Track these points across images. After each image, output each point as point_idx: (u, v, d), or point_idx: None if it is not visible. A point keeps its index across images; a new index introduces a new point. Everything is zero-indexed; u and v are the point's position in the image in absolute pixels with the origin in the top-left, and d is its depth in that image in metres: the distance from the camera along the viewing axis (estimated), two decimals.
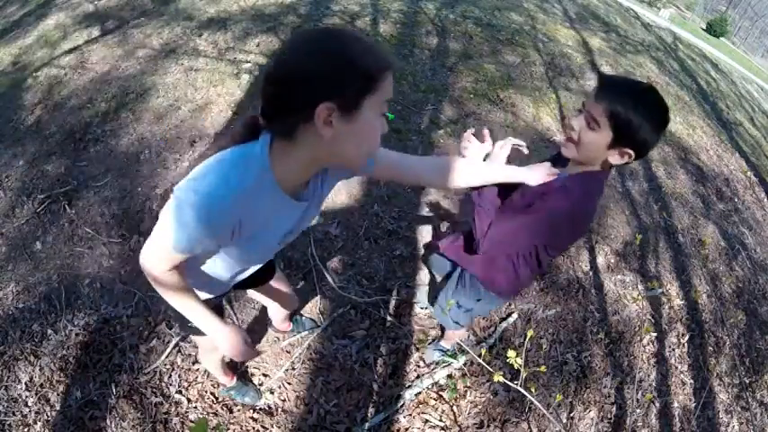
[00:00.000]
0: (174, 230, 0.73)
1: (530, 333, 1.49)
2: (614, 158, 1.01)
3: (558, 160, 1.21)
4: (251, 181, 0.71)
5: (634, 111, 0.92)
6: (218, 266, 0.96)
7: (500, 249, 1.24)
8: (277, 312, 1.77)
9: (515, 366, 1.34)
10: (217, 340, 0.95)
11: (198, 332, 1.17)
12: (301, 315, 2.01)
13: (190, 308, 0.92)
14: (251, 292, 1.41)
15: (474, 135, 1.24)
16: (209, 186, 0.69)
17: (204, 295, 1.08)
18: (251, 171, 0.71)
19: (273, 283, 1.43)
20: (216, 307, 1.20)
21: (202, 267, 0.97)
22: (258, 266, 1.13)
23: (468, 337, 2.08)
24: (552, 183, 1.11)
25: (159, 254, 0.80)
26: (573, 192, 1.04)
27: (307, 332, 1.95)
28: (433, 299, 2.09)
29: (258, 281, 1.36)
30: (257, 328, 1.97)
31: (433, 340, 2.03)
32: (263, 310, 1.99)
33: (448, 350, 1.94)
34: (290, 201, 0.79)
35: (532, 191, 1.13)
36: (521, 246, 1.22)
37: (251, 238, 0.82)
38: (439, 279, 1.98)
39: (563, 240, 1.22)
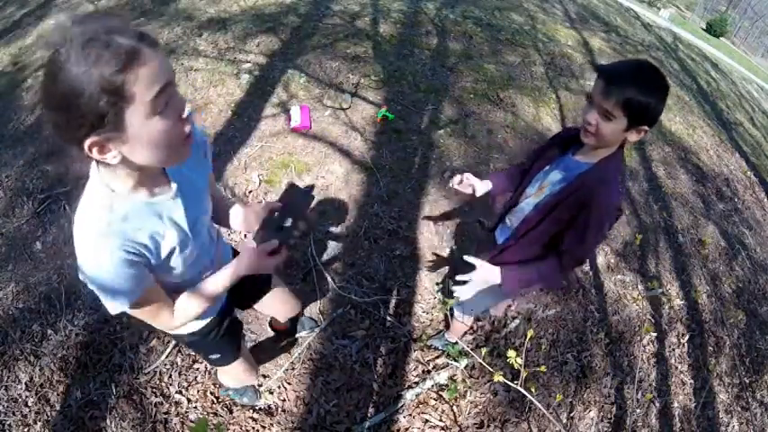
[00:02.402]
0: (111, 298, 0.74)
1: (530, 333, 1.49)
2: (632, 137, 1.06)
3: (567, 143, 1.24)
4: (104, 215, 0.70)
5: (643, 95, 0.97)
6: (181, 276, 0.92)
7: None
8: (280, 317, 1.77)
9: (515, 366, 1.34)
10: (247, 270, 0.94)
11: (221, 363, 1.26)
12: (302, 314, 2.01)
13: (201, 298, 0.93)
14: (257, 306, 1.40)
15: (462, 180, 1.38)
16: (88, 249, 0.70)
17: (204, 320, 1.09)
18: (99, 206, 0.71)
19: (274, 295, 1.40)
20: (232, 322, 1.22)
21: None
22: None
23: (472, 332, 2.08)
24: (586, 180, 1.13)
25: (146, 316, 0.83)
26: (608, 179, 1.10)
27: (306, 332, 1.95)
28: (447, 288, 2.13)
29: (257, 294, 1.34)
30: (255, 329, 1.97)
31: (438, 332, 2.05)
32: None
33: (453, 342, 1.96)
34: (147, 200, 0.76)
35: (576, 194, 1.14)
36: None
37: (173, 247, 0.82)
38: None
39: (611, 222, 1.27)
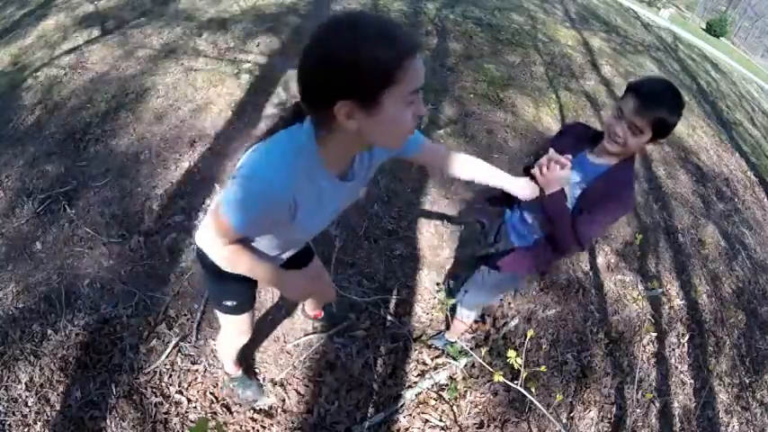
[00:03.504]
0: (234, 211, 0.78)
1: (530, 333, 1.49)
2: (649, 146, 1.21)
3: (578, 142, 1.29)
4: (302, 164, 0.77)
5: (672, 115, 1.10)
6: (263, 245, 0.99)
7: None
8: (318, 300, 1.78)
9: (515, 366, 1.34)
10: (286, 290, 1.02)
11: (232, 311, 1.25)
12: (332, 306, 2.02)
13: (253, 270, 0.95)
14: None
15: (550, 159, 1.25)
16: (266, 169, 0.76)
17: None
18: (301, 155, 0.77)
19: (314, 268, 1.44)
20: (253, 285, 1.23)
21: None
22: (297, 249, 1.17)
23: (471, 332, 2.08)
24: (610, 181, 1.21)
25: (219, 232, 0.85)
26: (631, 182, 1.23)
27: (309, 335, 1.95)
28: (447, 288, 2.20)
29: (296, 266, 1.35)
30: (260, 328, 1.97)
31: (439, 332, 2.05)
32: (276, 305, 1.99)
33: (452, 342, 1.97)
34: (337, 181, 0.85)
35: (599, 190, 1.22)
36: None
37: (302, 218, 0.85)
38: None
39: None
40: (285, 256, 1.14)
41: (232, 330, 1.42)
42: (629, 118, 1.11)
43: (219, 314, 1.33)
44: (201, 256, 1.06)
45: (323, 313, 1.99)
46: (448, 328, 1.99)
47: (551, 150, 1.19)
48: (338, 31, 0.65)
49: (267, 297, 2.04)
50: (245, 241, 0.94)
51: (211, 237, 0.88)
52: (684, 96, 1.14)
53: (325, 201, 0.87)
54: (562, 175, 1.17)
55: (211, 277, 1.17)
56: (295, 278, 1.01)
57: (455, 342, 1.96)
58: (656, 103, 1.08)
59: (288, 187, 0.76)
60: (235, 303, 1.23)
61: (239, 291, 1.20)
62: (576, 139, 1.31)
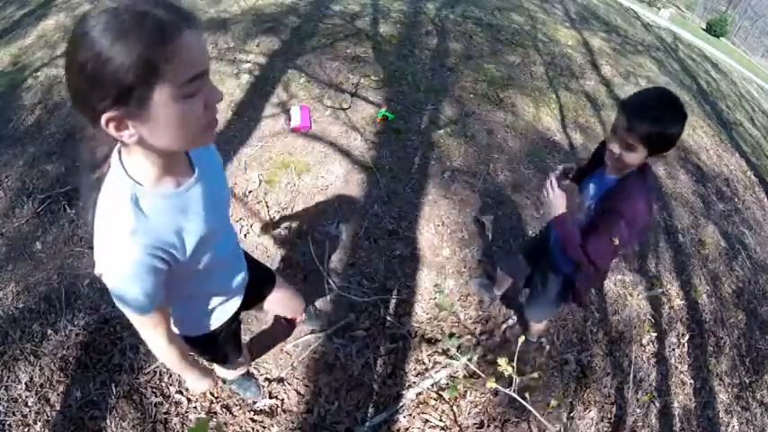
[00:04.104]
0: (127, 304, 0.72)
1: (522, 339, 1.50)
2: (652, 160, 1.16)
3: (601, 159, 1.29)
4: (129, 211, 0.67)
5: (663, 128, 1.06)
6: (195, 284, 0.93)
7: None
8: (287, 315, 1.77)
9: (506, 374, 1.35)
10: (188, 383, 1.06)
11: (230, 365, 1.36)
12: (315, 307, 2.01)
13: (179, 368, 0.96)
14: (264, 306, 1.42)
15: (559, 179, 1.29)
16: (110, 248, 0.67)
17: (218, 320, 1.09)
18: (123, 202, 0.67)
19: (278, 295, 1.39)
20: (234, 333, 1.24)
21: (200, 290, 0.98)
22: (243, 273, 1.11)
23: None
24: (612, 194, 1.20)
25: (143, 327, 0.81)
26: (636, 197, 1.16)
27: (309, 335, 1.95)
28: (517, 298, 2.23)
29: (259, 293, 1.34)
30: (260, 336, 1.97)
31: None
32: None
33: (536, 342, 2.08)
34: (173, 191, 0.73)
35: (605, 204, 1.22)
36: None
37: (202, 238, 0.80)
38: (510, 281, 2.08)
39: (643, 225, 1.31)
40: (235, 282, 1.07)
41: (232, 373, 1.49)
42: (621, 135, 1.10)
43: (218, 366, 1.40)
44: (185, 338, 1.08)
45: (304, 316, 1.91)
46: (527, 327, 2.02)
47: (553, 174, 1.25)
48: (76, 35, 0.53)
49: None
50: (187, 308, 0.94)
51: (154, 337, 0.83)
52: (683, 102, 1.10)
53: (188, 214, 0.76)
54: (556, 199, 1.23)
55: (200, 351, 1.21)
56: (196, 382, 1.05)
57: (536, 342, 2.07)
58: (644, 118, 1.06)
59: (137, 245, 0.67)
60: (226, 355, 1.28)
61: (225, 345, 1.22)
62: (602, 156, 1.30)
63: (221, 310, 1.07)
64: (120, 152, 0.68)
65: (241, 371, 1.52)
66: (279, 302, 1.43)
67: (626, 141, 1.10)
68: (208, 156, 0.84)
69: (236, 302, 1.11)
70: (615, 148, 1.14)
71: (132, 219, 0.67)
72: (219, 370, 1.55)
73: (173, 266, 0.75)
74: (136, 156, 0.66)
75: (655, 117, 1.05)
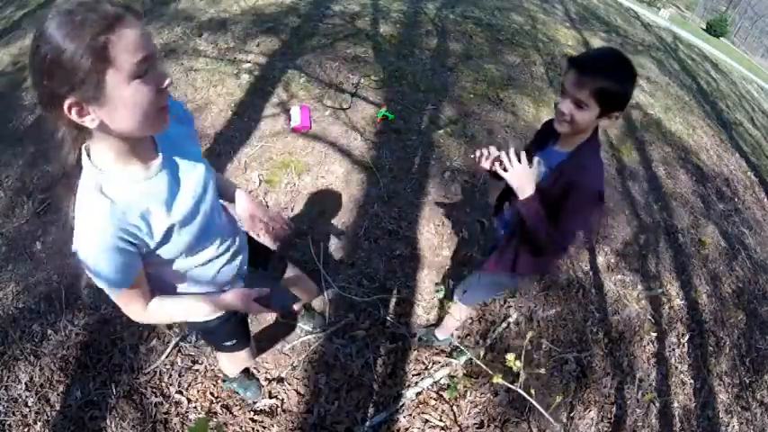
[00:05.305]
0: (100, 279, 0.76)
1: (530, 334, 1.50)
2: (605, 123, 1.10)
3: (546, 137, 1.27)
4: (95, 197, 0.73)
5: (614, 83, 1.02)
6: (199, 263, 0.97)
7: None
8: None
9: (514, 369, 1.34)
10: (231, 307, 0.98)
11: (234, 349, 1.29)
12: (314, 309, 2.01)
13: (185, 311, 0.96)
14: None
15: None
16: (81, 230, 0.73)
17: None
18: (89, 189, 0.73)
19: (291, 272, 1.43)
20: (243, 320, 1.25)
21: (194, 272, 0.98)
22: (238, 249, 1.10)
23: (465, 328, 2.08)
24: (565, 169, 1.15)
25: (120, 303, 0.84)
26: (589, 167, 1.13)
27: (309, 335, 1.95)
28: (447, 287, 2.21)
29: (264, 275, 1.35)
30: (260, 336, 1.97)
31: (430, 326, 2.07)
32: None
33: (441, 339, 1.97)
34: (141, 176, 0.78)
35: (557, 183, 1.16)
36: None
37: (175, 225, 0.83)
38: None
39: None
40: (234, 262, 1.08)
41: (237, 365, 1.49)
42: (571, 92, 1.05)
43: (222, 354, 1.38)
44: (190, 324, 1.09)
45: (302, 310, 1.91)
46: (438, 322, 1.99)
47: (511, 150, 1.17)
48: (35, 35, 0.60)
49: None
50: (163, 291, 0.93)
51: (132, 312, 0.87)
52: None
53: (162, 195, 0.81)
54: (523, 176, 1.15)
55: (203, 331, 1.21)
56: (233, 298, 0.99)
57: (443, 340, 1.97)
58: (596, 72, 1.02)
59: (109, 227, 0.72)
60: (234, 342, 1.27)
61: (234, 330, 1.23)
62: (547, 133, 1.27)
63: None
64: (87, 149, 0.74)
65: (247, 363, 1.49)
66: (294, 282, 1.47)
67: (576, 98, 1.05)
68: (182, 146, 0.89)
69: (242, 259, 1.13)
70: (565, 107, 1.08)
71: (97, 204, 0.73)
72: (224, 365, 1.55)
73: (144, 250, 0.80)
74: (99, 145, 0.72)
75: (607, 71, 1.02)
